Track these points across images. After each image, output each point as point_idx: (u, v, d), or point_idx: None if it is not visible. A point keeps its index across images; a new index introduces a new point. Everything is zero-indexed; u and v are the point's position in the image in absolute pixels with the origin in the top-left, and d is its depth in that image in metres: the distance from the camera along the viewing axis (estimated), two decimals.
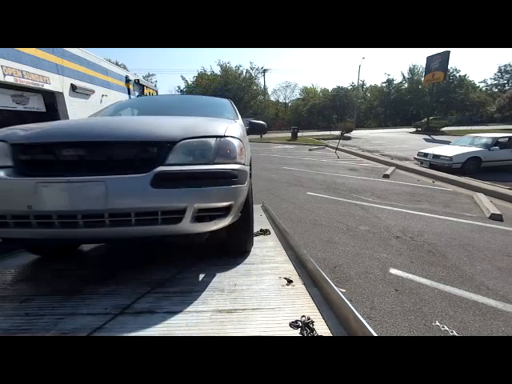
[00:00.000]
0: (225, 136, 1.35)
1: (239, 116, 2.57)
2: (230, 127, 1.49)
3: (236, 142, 1.39)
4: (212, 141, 1.29)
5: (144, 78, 32.95)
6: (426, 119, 26.04)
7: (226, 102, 2.93)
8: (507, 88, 38.92)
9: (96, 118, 2.13)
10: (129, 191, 1.09)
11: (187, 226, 1.14)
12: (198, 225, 1.18)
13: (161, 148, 1.19)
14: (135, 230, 1.13)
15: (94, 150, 1.16)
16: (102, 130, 1.25)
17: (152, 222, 1.12)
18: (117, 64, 26.37)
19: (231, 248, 1.64)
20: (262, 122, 2.60)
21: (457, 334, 2.15)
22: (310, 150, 15.67)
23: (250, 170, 1.72)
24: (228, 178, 1.22)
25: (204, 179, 1.17)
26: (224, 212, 1.23)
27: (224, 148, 1.30)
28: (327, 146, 17.31)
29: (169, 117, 1.74)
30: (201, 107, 2.65)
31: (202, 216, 1.18)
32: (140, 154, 1.19)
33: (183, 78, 39.78)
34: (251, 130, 2.49)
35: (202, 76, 35.26)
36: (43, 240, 1.24)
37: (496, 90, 40.85)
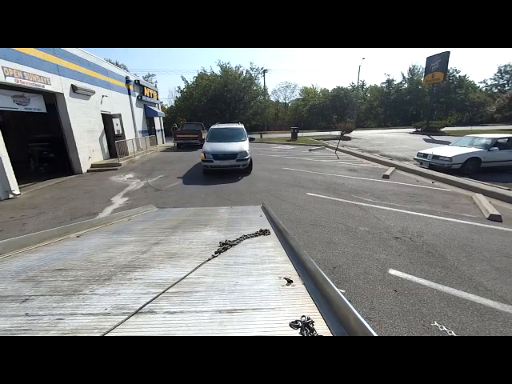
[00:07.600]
0: (245, 151, 8.71)
1: (246, 135, 10.15)
2: (246, 146, 9.01)
3: (248, 152, 8.78)
4: (243, 152, 8.66)
5: (144, 78, 32.98)
6: (426, 121, 26.08)
7: (242, 129, 10.45)
8: (507, 88, 38.93)
9: (219, 144, 9.18)
10: (244, 162, 8.72)
11: (241, 168, 8.71)
12: (243, 167, 8.74)
13: (236, 154, 8.58)
14: (234, 168, 8.77)
15: (225, 154, 8.60)
16: (226, 150, 8.67)
17: (236, 167, 8.68)
18: (117, 64, 26.42)
19: (247, 171, 9.06)
20: (253, 136, 12.58)
21: (455, 335, 2.15)
22: (310, 150, 15.69)
23: (250, 153, 9.16)
24: (246, 158, 8.68)
25: (243, 159, 8.60)
26: (247, 164, 8.80)
27: (245, 154, 8.66)
28: (327, 146, 17.32)
29: (234, 143, 9.19)
30: (234, 135, 10.00)
31: (244, 165, 8.72)
32: (233, 155, 8.58)
33: (183, 79, 39.94)
34: (249, 139, 10.23)
35: (202, 76, 35.24)
36: (214, 170, 8.88)
37: (496, 91, 40.88)
